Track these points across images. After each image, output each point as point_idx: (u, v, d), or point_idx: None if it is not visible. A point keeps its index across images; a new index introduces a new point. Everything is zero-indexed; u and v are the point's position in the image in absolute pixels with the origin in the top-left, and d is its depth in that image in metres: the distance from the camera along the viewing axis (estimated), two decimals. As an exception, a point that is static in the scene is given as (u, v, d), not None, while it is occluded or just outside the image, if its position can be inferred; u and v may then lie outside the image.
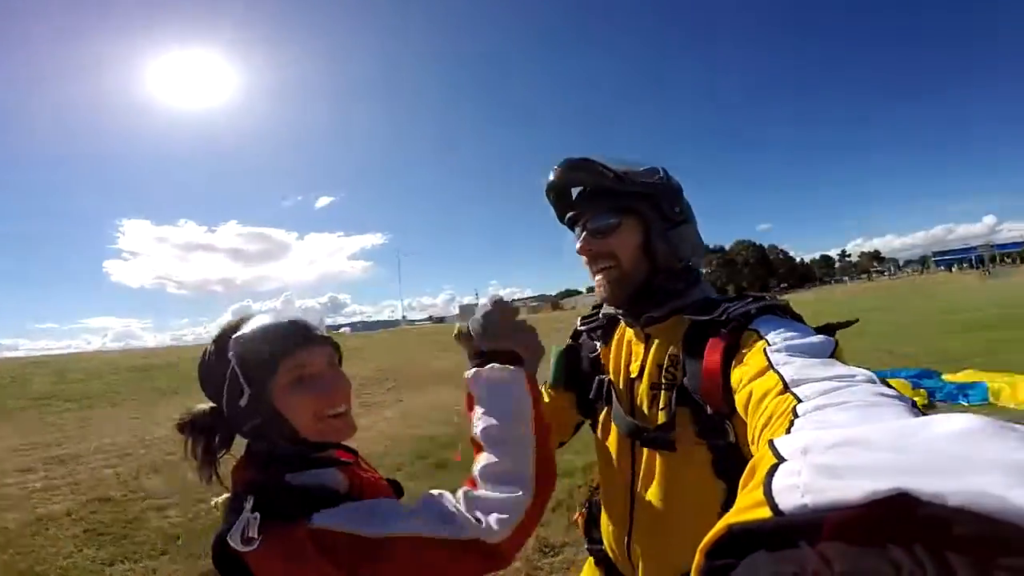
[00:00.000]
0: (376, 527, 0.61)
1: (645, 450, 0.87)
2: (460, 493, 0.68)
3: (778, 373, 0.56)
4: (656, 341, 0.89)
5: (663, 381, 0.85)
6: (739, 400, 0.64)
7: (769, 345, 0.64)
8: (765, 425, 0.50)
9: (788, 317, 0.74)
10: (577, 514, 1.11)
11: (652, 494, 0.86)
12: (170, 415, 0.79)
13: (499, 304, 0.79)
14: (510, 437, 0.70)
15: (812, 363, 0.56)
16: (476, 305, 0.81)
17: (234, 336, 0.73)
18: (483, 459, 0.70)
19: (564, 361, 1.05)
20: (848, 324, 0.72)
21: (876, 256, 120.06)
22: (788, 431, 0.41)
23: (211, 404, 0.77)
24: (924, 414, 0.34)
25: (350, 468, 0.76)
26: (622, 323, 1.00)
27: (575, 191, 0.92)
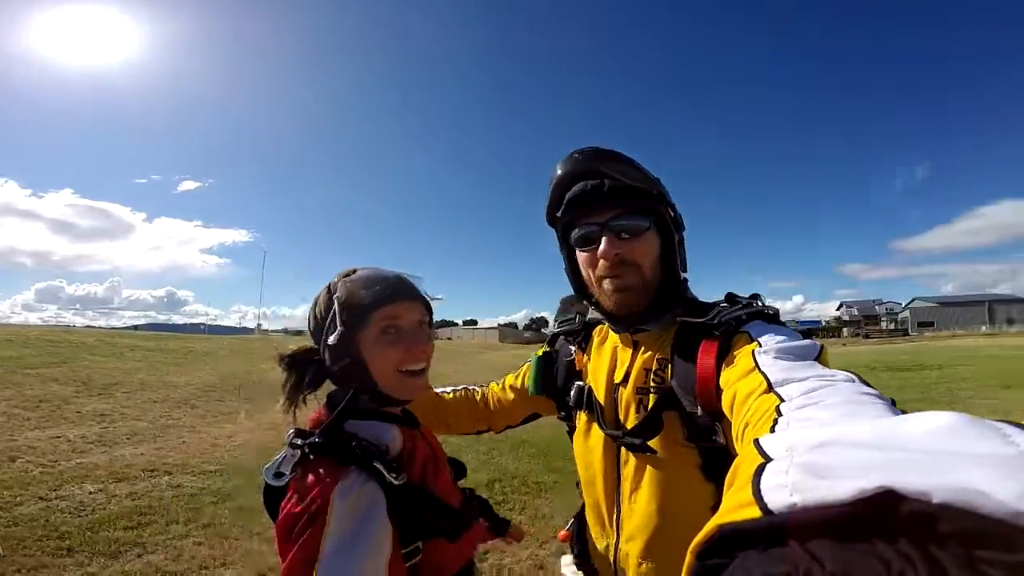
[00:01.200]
0: (333, 564, 0.59)
1: (630, 456, 0.85)
2: None
3: (763, 374, 0.56)
4: (644, 346, 0.88)
5: (651, 385, 0.84)
6: (725, 400, 0.65)
7: (757, 348, 0.65)
8: (748, 424, 0.50)
9: (775, 323, 0.74)
10: (564, 531, 1.09)
11: (639, 500, 0.84)
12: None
13: None
14: None
15: (796, 365, 0.57)
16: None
17: (343, 279, 0.78)
18: None
19: (541, 368, 1.04)
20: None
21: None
22: (772, 430, 0.42)
23: (312, 344, 0.80)
24: (904, 412, 0.35)
25: (412, 431, 0.80)
26: (601, 328, 1.00)
27: (576, 188, 0.84)
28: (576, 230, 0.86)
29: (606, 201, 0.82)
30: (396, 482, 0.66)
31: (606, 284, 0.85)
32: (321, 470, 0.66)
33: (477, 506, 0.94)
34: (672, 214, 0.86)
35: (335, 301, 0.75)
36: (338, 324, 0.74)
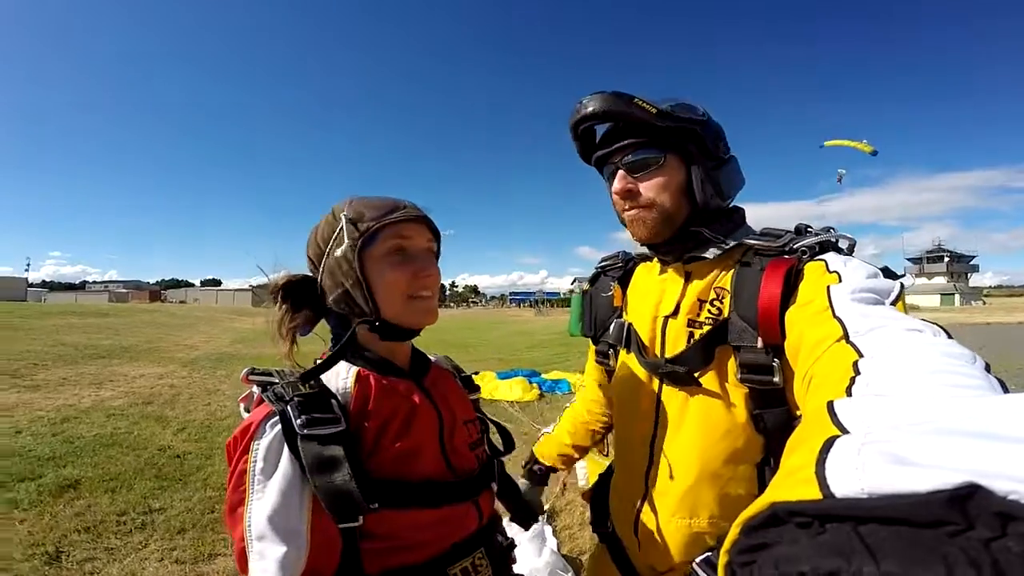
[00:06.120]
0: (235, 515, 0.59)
1: (672, 394, 0.82)
2: None
3: (838, 319, 0.52)
4: (697, 276, 0.84)
5: (704, 318, 0.80)
6: (790, 341, 0.61)
7: (834, 284, 0.61)
8: (817, 376, 0.47)
9: (851, 256, 0.71)
10: (586, 491, 1.05)
11: (677, 446, 0.80)
12: None
13: None
14: None
15: (875, 311, 0.53)
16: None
17: (351, 200, 0.74)
18: None
19: (585, 307, 1.01)
20: (900, 275, 0.66)
21: (475, 290, 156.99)
22: (849, 392, 0.37)
23: (308, 274, 0.76)
24: (999, 380, 0.32)
25: (377, 377, 0.71)
26: (648, 264, 0.97)
27: (601, 129, 0.86)
28: (605, 168, 0.89)
29: (619, 139, 0.83)
30: (300, 430, 0.60)
31: (625, 217, 0.86)
32: (260, 409, 0.64)
33: (484, 479, 0.80)
34: (703, 145, 0.81)
35: (342, 219, 0.70)
36: (345, 238, 0.69)
